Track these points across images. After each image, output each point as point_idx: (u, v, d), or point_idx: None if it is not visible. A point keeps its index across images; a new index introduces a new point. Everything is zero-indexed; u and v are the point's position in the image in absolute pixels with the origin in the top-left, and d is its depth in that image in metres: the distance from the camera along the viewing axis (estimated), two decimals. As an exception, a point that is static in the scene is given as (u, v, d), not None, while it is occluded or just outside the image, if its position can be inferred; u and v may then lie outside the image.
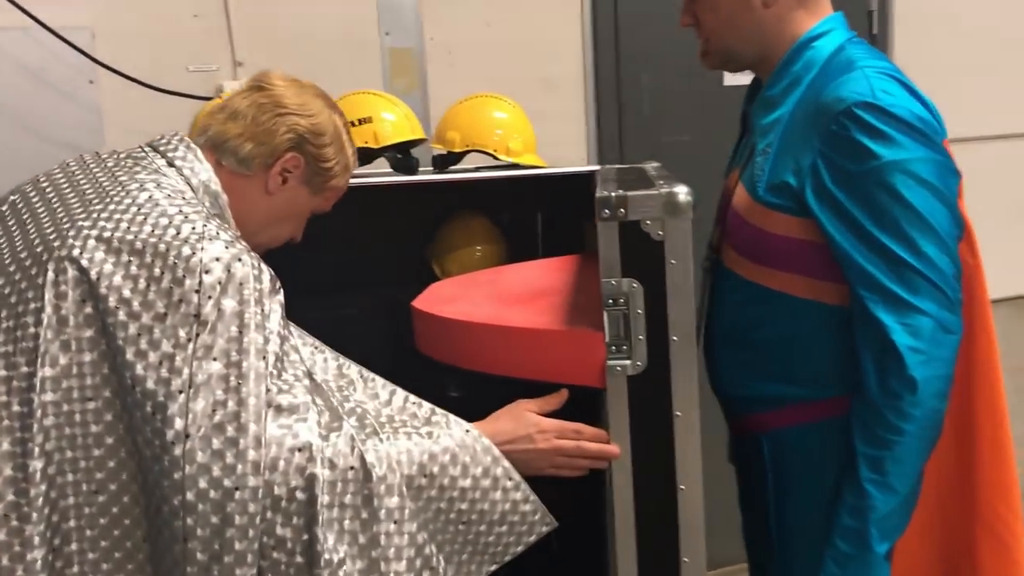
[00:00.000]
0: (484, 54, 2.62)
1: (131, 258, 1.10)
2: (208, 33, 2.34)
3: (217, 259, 1.12)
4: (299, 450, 1.08)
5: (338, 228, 2.24)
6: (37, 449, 1.07)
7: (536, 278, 1.69)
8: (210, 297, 1.09)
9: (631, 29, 2.83)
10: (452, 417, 1.27)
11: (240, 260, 1.14)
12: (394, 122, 2.00)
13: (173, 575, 1.08)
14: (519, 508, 1.24)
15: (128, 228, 1.12)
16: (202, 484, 1.04)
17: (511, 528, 1.24)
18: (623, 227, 1.22)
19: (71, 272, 1.09)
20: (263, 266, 1.18)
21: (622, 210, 1.21)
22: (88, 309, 1.09)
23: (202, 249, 1.12)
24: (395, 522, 1.14)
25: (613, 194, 1.22)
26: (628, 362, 1.24)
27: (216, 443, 1.05)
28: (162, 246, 1.12)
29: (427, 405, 1.29)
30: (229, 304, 1.10)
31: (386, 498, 1.13)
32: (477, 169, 2.14)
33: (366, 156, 2.05)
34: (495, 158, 2.13)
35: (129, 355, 1.07)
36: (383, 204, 2.21)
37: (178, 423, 1.05)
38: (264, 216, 1.36)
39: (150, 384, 1.06)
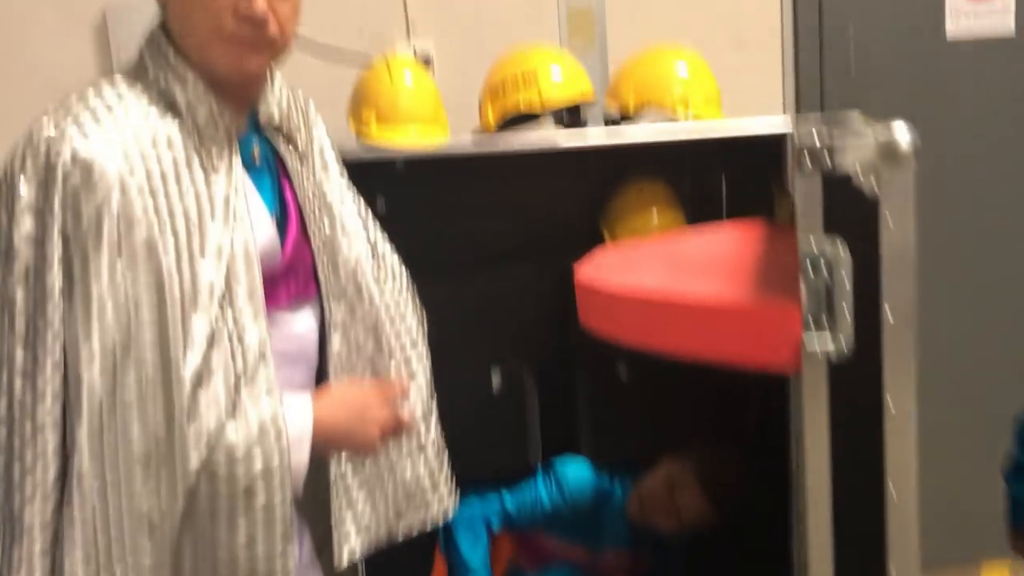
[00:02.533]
0: (668, 9, 2.41)
1: None
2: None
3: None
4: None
5: (503, 195, 2.14)
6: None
7: (715, 245, 1.49)
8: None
9: (836, -26, 2.52)
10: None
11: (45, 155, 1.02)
12: (560, 84, 1.84)
13: None
14: None
15: None
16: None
17: None
18: (828, 180, 1.01)
19: None
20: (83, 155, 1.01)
21: (827, 159, 1.00)
22: None
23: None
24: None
25: (816, 139, 1.01)
26: (830, 344, 1.03)
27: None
28: None
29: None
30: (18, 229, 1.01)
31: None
32: (654, 129, 1.95)
33: (530, 115, 1.91)
34: (674, 117, 1.93)
35: None
36: (551, 169, 2.07)
37: None
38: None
39: None
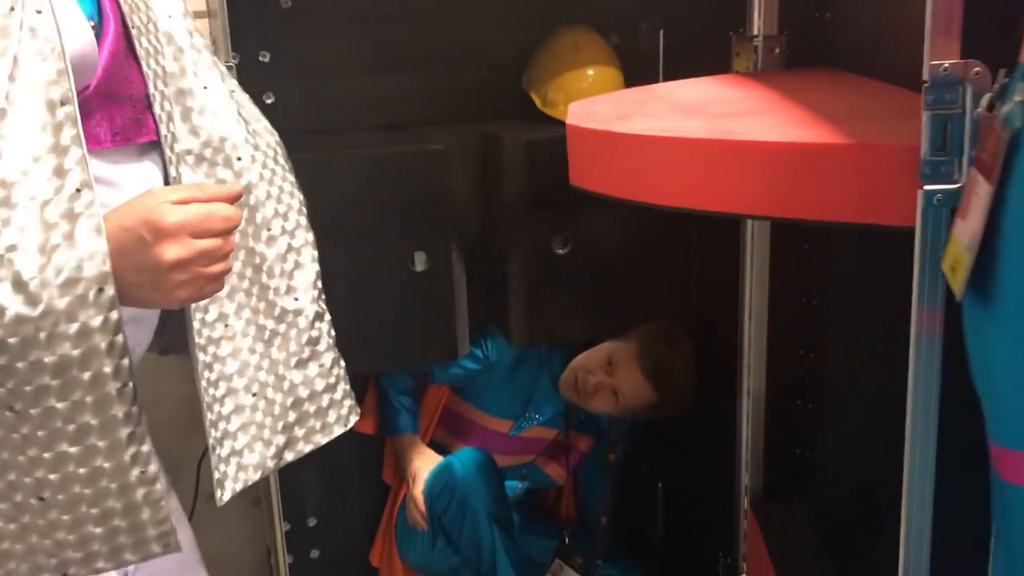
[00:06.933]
0: None
1: None
2: None
3: None
4: None
5: (406, 43, 1.80)
6: None
7: (719, 94, 1.27)
8: None
9: None
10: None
11: None
12: None
13: None
14: (139, 515, 0.85)
15: None
16: None
17: (110, 534, 0.84)
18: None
19: None
20: None
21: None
22: None
23: None
24: None
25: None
26: (954, 187, 0.85)
27: None
28: None
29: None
30: None
31: None
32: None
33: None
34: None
35: None
36: (460, 17, 1.77)
37: None
38: None
39: None
